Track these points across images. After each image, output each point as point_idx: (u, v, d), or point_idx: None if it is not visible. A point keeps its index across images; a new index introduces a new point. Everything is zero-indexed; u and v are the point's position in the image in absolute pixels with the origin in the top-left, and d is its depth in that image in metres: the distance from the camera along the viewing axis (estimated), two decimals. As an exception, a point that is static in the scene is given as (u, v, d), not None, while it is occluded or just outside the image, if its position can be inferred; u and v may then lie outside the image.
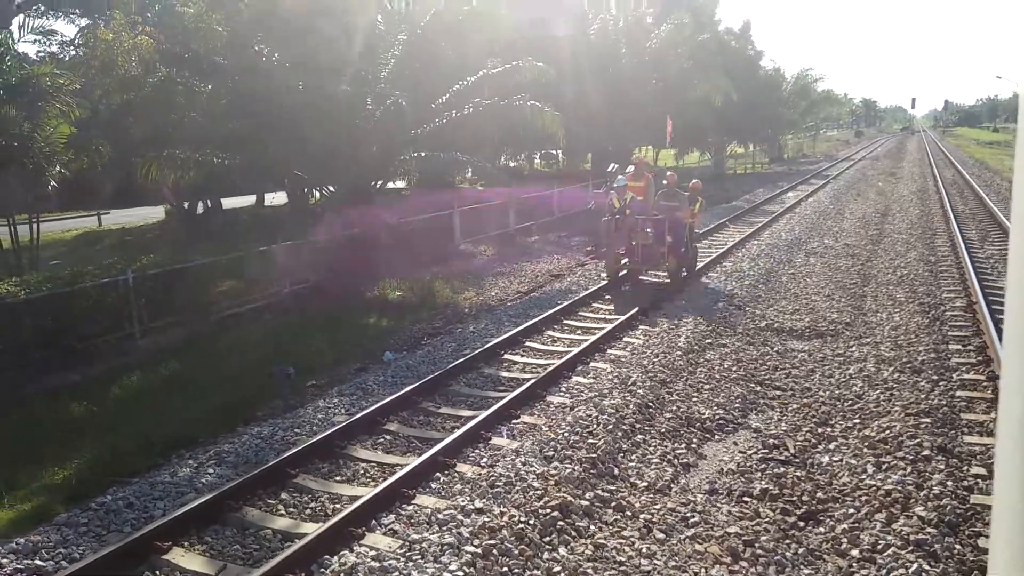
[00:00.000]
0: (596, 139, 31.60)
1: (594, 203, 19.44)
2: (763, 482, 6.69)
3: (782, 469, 6.94)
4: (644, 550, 5.68)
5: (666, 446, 7.49)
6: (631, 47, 31.07)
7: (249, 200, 30.65)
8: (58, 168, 16.61)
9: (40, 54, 23.07)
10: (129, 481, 6.73)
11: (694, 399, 8.69)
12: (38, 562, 5.42)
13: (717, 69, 34.79)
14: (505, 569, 5.32)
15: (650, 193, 14.37)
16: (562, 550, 5.65)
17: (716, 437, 7.83)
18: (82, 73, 19.01)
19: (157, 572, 5.29)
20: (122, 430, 8.06)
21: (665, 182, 14.53)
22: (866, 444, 7.23)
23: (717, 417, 8.19)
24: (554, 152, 42.86)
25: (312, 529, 5.71)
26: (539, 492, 6.29)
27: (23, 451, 7.59)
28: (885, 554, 5.42)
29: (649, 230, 13.64)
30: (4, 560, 5.42)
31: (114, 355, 10.50)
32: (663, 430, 7.80)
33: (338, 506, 6.22)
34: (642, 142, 44.75)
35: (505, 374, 9.54)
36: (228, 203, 28.67)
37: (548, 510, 6.04)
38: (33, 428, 8.30)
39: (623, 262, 14.15)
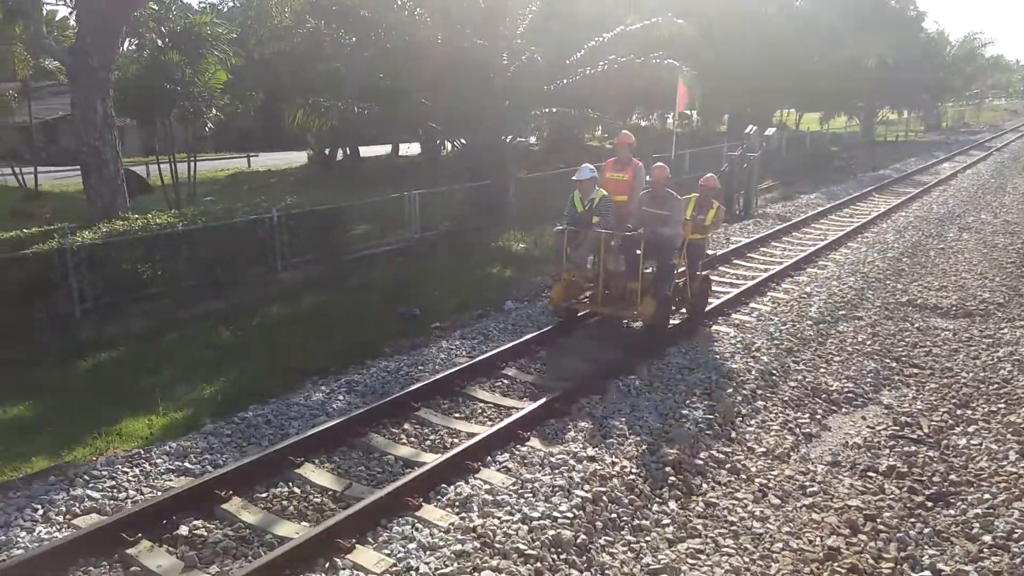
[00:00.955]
0: (735, 100, 30.36)
1: (727, 166, 18.69)
2: (891, 459, 6.39)
3: (913, 448, 6.59)
4: (757, 513, 5.59)
5: (788, 414, 7.26)
6: (778, 4, 29.43)
7: (385, 150, 31.74)
8: (214, 111, 17.81)
9: (201, 4, 24.64)
10: (268, 401, 7.28)
11: (822, 370, 8.35)
12: (187, 464, 5.99)
13: (872, 29, 32.41)
14: (614, 515, 5.38)
15: (636, 192, 9.27)
16: (672, 504, 5.65)
17: (843, 410, 7.51)
18: (238, 23, 20.18)
19: (290, 483, 5.72)
20: (262, 355, 8.69)
21: (649, 178, 9.12)
22: (1010, 430, 6.73)
23: (846, 390, 7.84)
24: (688, 112, 41.54)
25: (431, 459, 5.99)
26: (652, 447, 6.29)
27: (177, 367, 8.35)
28: (1021, 543, 5.07)
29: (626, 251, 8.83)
30: (159, 460, 6.03)
31: (258, 286, 11.27)
32: (786, 398, 7.56)
33: (456, 440, 6.47)
34: (785, 104, 42.63)
35: (628, 331, 9.49)
36: (365, 152, 29.83)
37: (660, 465, 6.04)
38: (186, 348, 9.10)
39: (585, 295, 9.29)
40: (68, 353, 8.63)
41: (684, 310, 9.53)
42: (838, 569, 4.93)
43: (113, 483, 5.63)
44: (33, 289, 9.07)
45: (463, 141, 18.69)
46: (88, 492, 5.47)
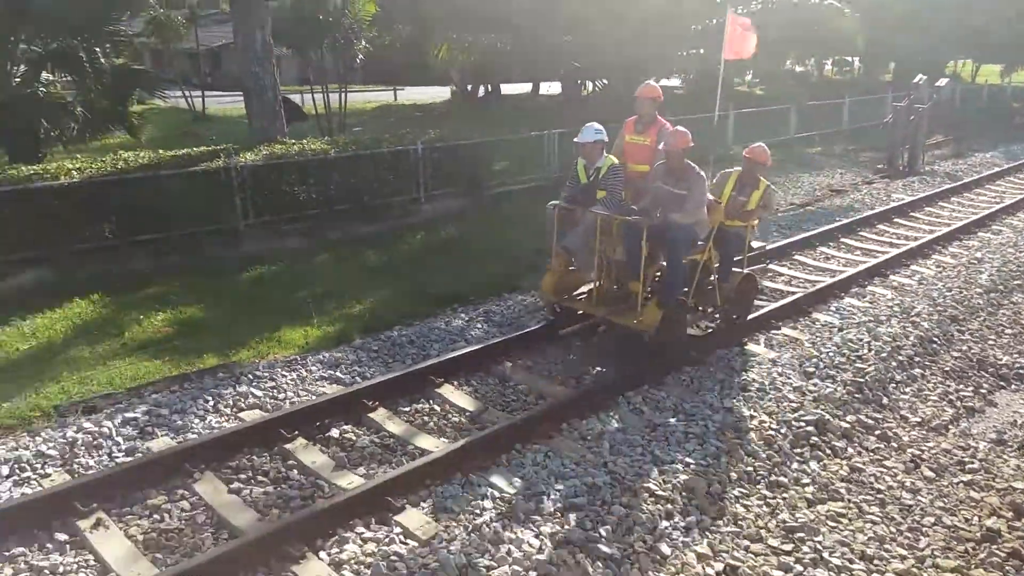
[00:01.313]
0: (902, 46, 27.88)
1: (891, 118, 17.27)
2: (1065, 444, 5.84)
3: (1093, 435, 5.99)
4: (908, 484, 5.29)
5: (948, 385, 6.77)
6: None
7: (525, 88, 31.61)
8: (363, 43, 18.22)
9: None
10: (411, 323, 7.56)
11: (990, 342, 7.69)
12: (338, 374, 6.36)
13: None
14: (750, 468, 5.25)
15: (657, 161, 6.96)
16: (813, 464, 5.43)
17: (1013, 386, 6.92)
18: (388, -45, 20.29)
19: (431, 401, 5.95)
20: (406, 280, 8.99)
21: (663, 147, 6.63)
22: None
23: (1017, 365, 7.21)
24: (849, 59, 38.64)
25: (564, 393, 6.04)
26: (794, 404, 6.06)
27: (329, 285, 8.80)
28: None
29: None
30: (313, 367, 6.44)
31: (402, 214, 11.65)
32: (947, 368, 7.04)
33: (588, 378, 6.48)
34: (959, 54, 38.76)
35: (768, 284, 9.10)
36: (506, 90, 29.83)
37: (802, 424, 5.81)
38: (336, 267, 9.56)
39: (583, 289, 7.21)
40: (234, 264, 9.31)
41: (715, 320, 7.40)
42: (997, 552, 4.60)
43: (273, 384, 6.07)
44: (204, 203, 9.76)
45: (605, 81, 18.27)
46: (252, 390, 5.92)
